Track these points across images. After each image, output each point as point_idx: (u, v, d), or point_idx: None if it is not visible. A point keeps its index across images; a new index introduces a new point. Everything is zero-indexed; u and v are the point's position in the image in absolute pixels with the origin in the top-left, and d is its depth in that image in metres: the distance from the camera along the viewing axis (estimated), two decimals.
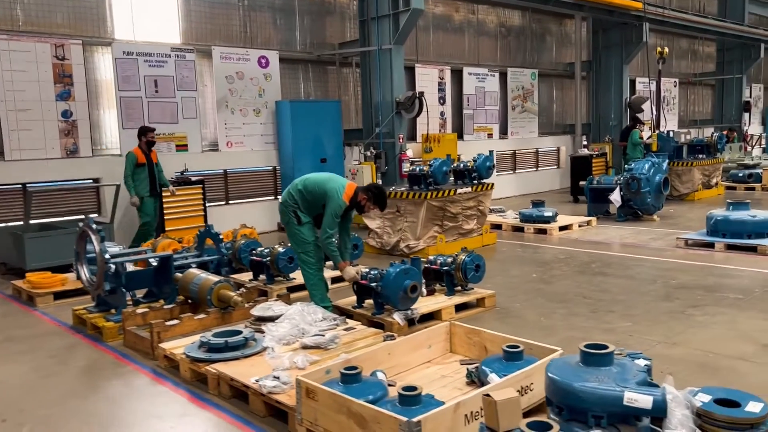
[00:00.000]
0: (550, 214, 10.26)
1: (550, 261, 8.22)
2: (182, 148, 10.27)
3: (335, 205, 5.39)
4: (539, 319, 5.69)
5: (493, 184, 9.39)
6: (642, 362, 3.38)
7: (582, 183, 12.05)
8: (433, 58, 14.12)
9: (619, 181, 11.05)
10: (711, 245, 8.38)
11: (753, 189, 14.87)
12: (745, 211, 8.42)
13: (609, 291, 6.54)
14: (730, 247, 8.22)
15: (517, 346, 3.74)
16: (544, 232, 10.08)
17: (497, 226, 10.65)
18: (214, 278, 5.36)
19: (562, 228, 10.20)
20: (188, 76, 10.35)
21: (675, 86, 21.00)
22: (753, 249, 8.01)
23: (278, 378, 3.78)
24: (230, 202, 11.00)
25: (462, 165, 9.32)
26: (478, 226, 9.27)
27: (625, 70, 16.29)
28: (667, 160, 11.58)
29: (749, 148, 21.42)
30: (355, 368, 3.46)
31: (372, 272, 5.47)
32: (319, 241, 5.52)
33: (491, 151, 9.52)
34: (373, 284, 5.35)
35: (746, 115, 21.67)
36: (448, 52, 14.42)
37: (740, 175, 15.29)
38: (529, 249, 9.14)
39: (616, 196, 10.93)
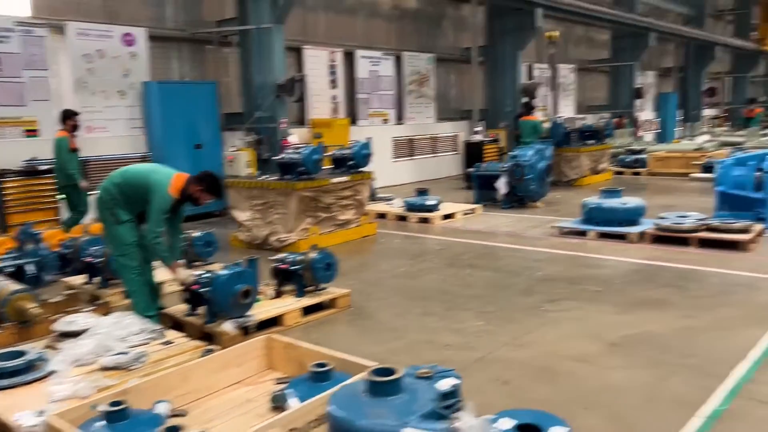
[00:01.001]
0: (433, 202, 10.00)
1: (423, 253, 7.92)
2: (32, 133, 9.23)
3: (161, 200, 4.80)
4: (391, 320, 5.33)
5: (371, 173, 9.00)
6: (450, 382, 3.03)
7: (470, 170, 11.89)
8: (324, 39, 13.53)
9: (504, 168, 10.95)
10: (584, 233, 8.34)
11: (639, 174, 15.28)
12: (617, 199, 8.42)
13: (472, 285, 6.29)
14: (603, 235, 8.19)
15: (324, 365, 3.31)
16: (427, 221, 9.81)
17: (382, 215, 10.32)
18: (12, 287, 4.64)
19: (446, 216, 9.96)
20: (38, 54, 9.29)
21: (572, 72, 21.38)
22: (622, 237, 8.01)
23: (42, 413, 3.19)
24: (92, 193, 10.04)
25: (339, 152, 8.88)
26: (356, 217, 8.86)
27: (519, 56, 16.28)
28: (551, 147, 11.58)
29: (640, 134, 22.16)
30: (119, 403, 2.92)
31: (204, 275, 4.92)
32: (145, 241, 4.91)
33: (369, 138, 9.12)
34: (203, 290, 4.80)
35: (638, 101, 22.37)
36: (339, 34, 13.86)
37: (627, 160, 15.68)
38: (408, 240, 8.83)
39: (501, 184, 10.83)
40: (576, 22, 20.35)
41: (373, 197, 11.10)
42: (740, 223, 7.50)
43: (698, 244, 7.43)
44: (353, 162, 8.73)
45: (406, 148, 15.75)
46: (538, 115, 13.66)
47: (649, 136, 23.75)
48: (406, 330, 5.08)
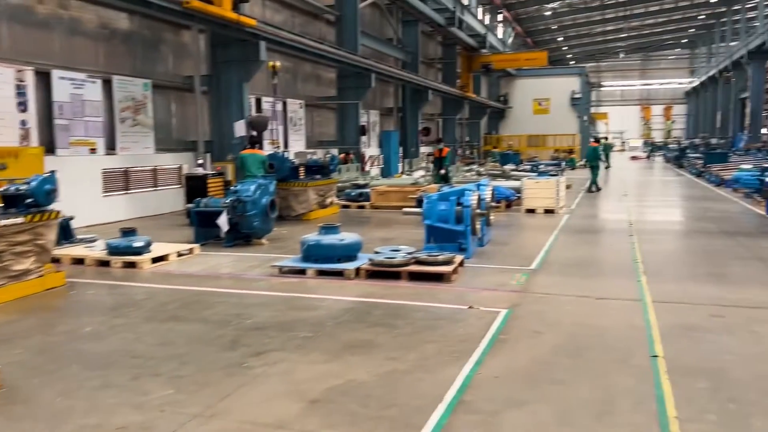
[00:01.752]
0: (141, 244, 8.86)
1: (121, 305, 6.81)
2: None
3: None
4: (55, 401, 4.25)
5: (57, 212, 7.58)
6: None
7: (188, 206, 10.97)
8: (8, 55, 11.46)
9: (225, 204, 10.27)
10: (303, 272, 8.05)
11: (363, 207, 15.84)
12: (334, 235, 8.32)
13: (171, 343, 5.44)
14: (321, 273, 7.98)
15: None
16: (134, 265, 8.63)
17: (80, 261, 8.84)
18: None
19: (157, 259, 8.89)
20: None
21: (301, 108, 21.70)
22: (340, 274, 7.89)
23: None
24: None
25: (11, 188, 7.32)
26: (37, 266, 7.34)
27: (245, 88, 15.88)
28: (275, 182, 11.26)
29: (367, 169, 23.37)
30: None
31: None
32: None
33: (53, 171, 7.70)
34: None
35: (364, 138, 23.63)
36: (29, 50, 11.89)
37: (353, 194, 16.19)
38: (106, 290, 7.60)
39: (222, 221, 10.11)
40: (303, 59, 20.73)
41: (69, 240, 9.56)
42: (444, 255, 7.89)
43: (408, 277, 7.60)
44: (32, 200, 7.26)
45: (121, 180, 14.13)
46: (263, 149, 13.29)
47: (374, 170, 25.21)
48: (71, 413, 4.05)
